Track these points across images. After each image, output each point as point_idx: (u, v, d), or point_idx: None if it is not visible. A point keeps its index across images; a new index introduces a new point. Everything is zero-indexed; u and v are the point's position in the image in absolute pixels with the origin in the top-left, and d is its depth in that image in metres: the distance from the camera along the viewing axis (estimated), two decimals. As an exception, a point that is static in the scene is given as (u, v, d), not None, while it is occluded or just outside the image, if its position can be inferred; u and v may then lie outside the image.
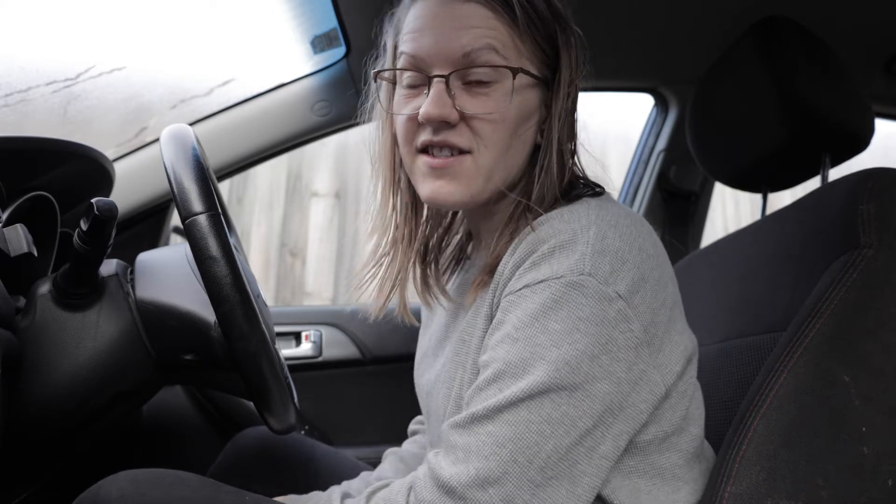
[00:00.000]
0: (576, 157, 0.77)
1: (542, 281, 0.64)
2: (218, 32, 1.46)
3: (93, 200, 0.70)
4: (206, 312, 0.79)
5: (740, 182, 1.13)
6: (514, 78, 0.70)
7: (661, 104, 1.69)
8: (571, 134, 0.76)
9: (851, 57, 1.12)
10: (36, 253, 0.79)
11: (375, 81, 0.79)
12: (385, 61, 0.79)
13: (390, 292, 0.82)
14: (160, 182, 1.37)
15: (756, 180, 1.10)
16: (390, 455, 1.00)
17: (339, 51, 1.40)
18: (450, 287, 0.86)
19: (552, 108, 0.74)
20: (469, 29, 0.70)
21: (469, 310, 0.76)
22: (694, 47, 1.39)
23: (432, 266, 0.86)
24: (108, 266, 0.83)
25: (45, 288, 0.78)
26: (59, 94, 1.36)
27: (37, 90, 1.33)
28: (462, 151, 0.71)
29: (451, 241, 0.89)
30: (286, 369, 0.93)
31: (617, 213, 0.68)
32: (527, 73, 0.72)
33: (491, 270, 0.72)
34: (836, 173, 0.92)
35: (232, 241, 0.76)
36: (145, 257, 0.86)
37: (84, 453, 0.91)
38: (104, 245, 0.74)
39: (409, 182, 0.79)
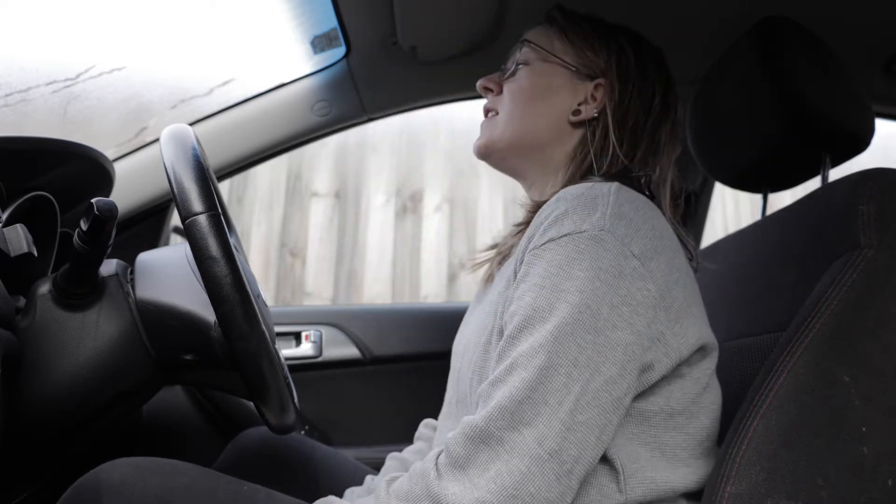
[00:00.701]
0: (636, 163, 0.85)
1: (565, 235, 0.69)
2: (218, 32, 1.46)
3: (93, 200, 0.70)
4: (206, 312, 0.79)
5: (740, 182, 1.13)
6: (522, 48, 0.91)
7: (661, 104, 1.68)
8: (633, 142, 0.85)
9: (851, 57, 1.12)
10: (36, 253, 0.79)
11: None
12: None
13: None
14: (160, 182, 1.37)
15: (756, 180, 1.10)
16: (391, 459, 1.00)
17: (339, 51, 1.40)
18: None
19: (601, 102, 0.86)
20: (528, 35, 0.94)
21: (506, 272, 0.81)
22: (694, 47, 1.39)
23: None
24: (108, 266, 0.83)
25: (45, 288, 0.78)
26: (59, 94, 1.36)
27: (37, 90, 1.33)
28: (497, 113, 0.91)
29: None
30: (286, 369, 0.93)
31: (637, 197, 0.74)
32: (539, 47, 0.90)
33: (535, 209, 0.80)
34: (836, 173, 0.92)
35: (232, 241, 0.76)
36: (145, 257, 0.86)
37: (84, 453, 0.91)
38: (104, 245, 0.74)
39: None
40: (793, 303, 0.80)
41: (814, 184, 0.99)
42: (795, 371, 0.70)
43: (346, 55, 1.40)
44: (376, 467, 1.05)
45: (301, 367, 1.54)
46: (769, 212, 1.05)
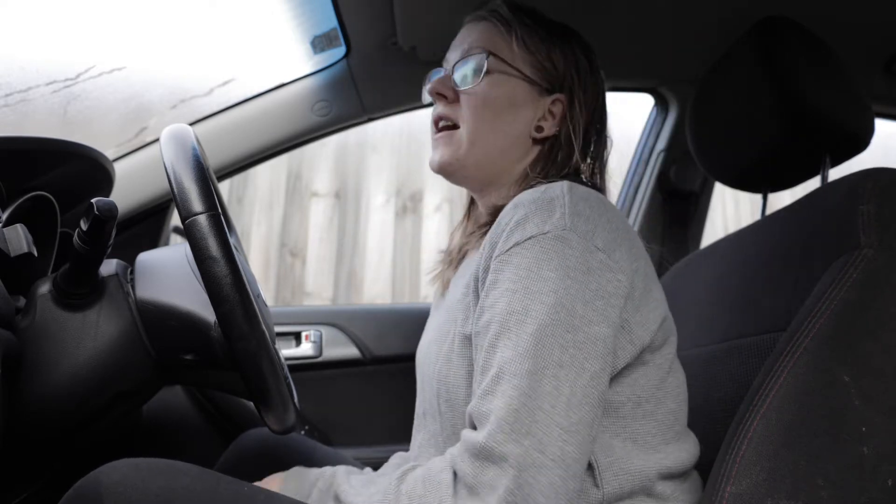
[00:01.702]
0: (592, 171, 0.90)
1: (530, 238, 0.70)
2: (218, 32, 1.46)
3: (93, 200, 0.70)
4: (206, 312, 0.79)
5: (740, 182, 1.13)
6: (486, 58, 0.86)
7: (661, 104, 1.69)
8: (586, 149, 0.88)
9: (851, 57, 1.12)
10: (36, 253, 0.79)
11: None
12: None
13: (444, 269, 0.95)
14: (160, 182, 1.37)
15: (756, 180, 1.10)
16: (397, 458, 1.00)
17: (339, 51, 1.40)
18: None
19: (560, 118, 0.88)
20: (474, 36, 0.89)
21: (463, 277, 0.82)
22: (694, 47, 1.39)
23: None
24: (108, 266, 0.83)
25: (45, 288, 0.78)
26: (59, 94, 1.36)
27: (37, 90, 1.33)
28: (455, 126, 0.88)
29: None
30: (286, 369, 0.93)
31: (588, 192, 0.75)
32: (503, 60, 0.86)
33: (495, 213, 0.82)
34: (836, 173, 0.92)
35: (232, 241, 0.76)
36: (145, 257, 0.86)
37: (84, 453, 0.91)
38: (104, 245, 0.74)
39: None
40: (793, 303, 0.80)
41: (814, 184, 0.99)
42: (795, 371, 0.70)
43: (346, 55, 1.40)
44: (376, 467, 1.05)
45: (301, 367, 1.54)
46: (769, 212, 1.05)
